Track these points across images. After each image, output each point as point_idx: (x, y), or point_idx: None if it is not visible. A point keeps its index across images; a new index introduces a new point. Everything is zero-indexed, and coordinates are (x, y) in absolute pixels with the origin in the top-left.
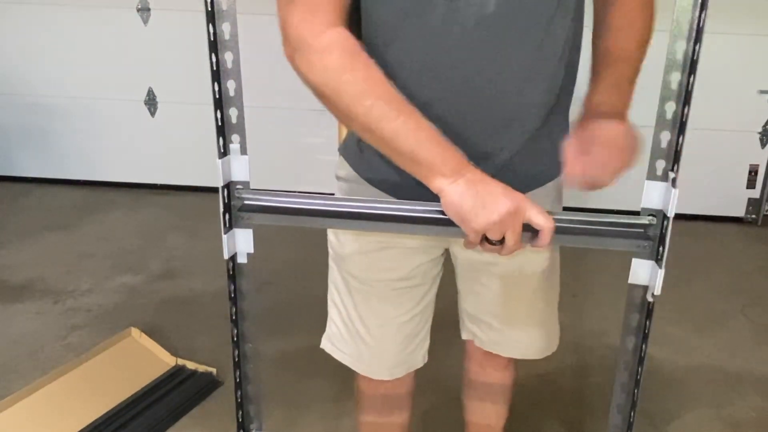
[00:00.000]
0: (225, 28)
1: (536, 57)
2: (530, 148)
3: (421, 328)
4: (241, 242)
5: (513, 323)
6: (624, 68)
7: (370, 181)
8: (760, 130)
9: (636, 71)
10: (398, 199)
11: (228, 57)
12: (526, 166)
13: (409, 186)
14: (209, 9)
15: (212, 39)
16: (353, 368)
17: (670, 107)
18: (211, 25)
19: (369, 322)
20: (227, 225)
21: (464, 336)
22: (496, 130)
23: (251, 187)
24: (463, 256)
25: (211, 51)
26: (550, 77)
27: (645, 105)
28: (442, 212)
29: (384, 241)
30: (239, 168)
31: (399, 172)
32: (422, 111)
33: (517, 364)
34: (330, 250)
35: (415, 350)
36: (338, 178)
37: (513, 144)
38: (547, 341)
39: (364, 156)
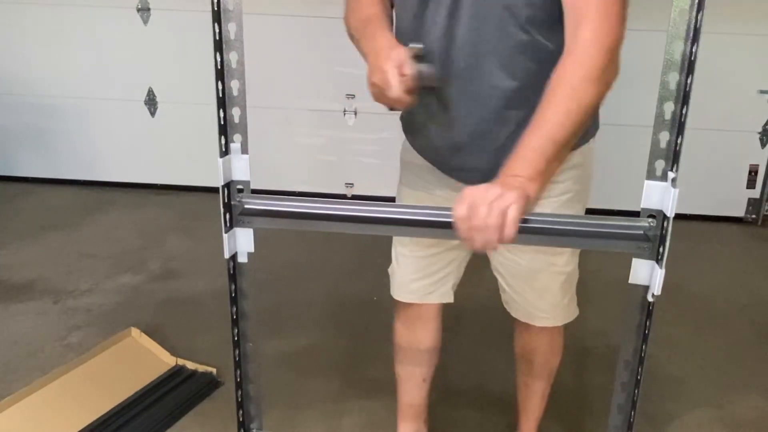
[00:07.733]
0: (231, 28)
1: None
2: None
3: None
4: (242, 242)
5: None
6: (547, 114)
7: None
8: (760, 130)
9: (562, 130)
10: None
11: (233, 57)
12: None
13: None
14: (215, 9)
15: (217, 38)
16: None
17: (669, 107)
18: (216, 25)
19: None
20: (228, 224)
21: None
22: None
23: (251, 187)
24: None
25: (216, 50)
26: None
27: (644, 105)
28: (439, 215)
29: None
30: (240, 167)
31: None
32: None
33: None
34: None
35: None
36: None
37: None
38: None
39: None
